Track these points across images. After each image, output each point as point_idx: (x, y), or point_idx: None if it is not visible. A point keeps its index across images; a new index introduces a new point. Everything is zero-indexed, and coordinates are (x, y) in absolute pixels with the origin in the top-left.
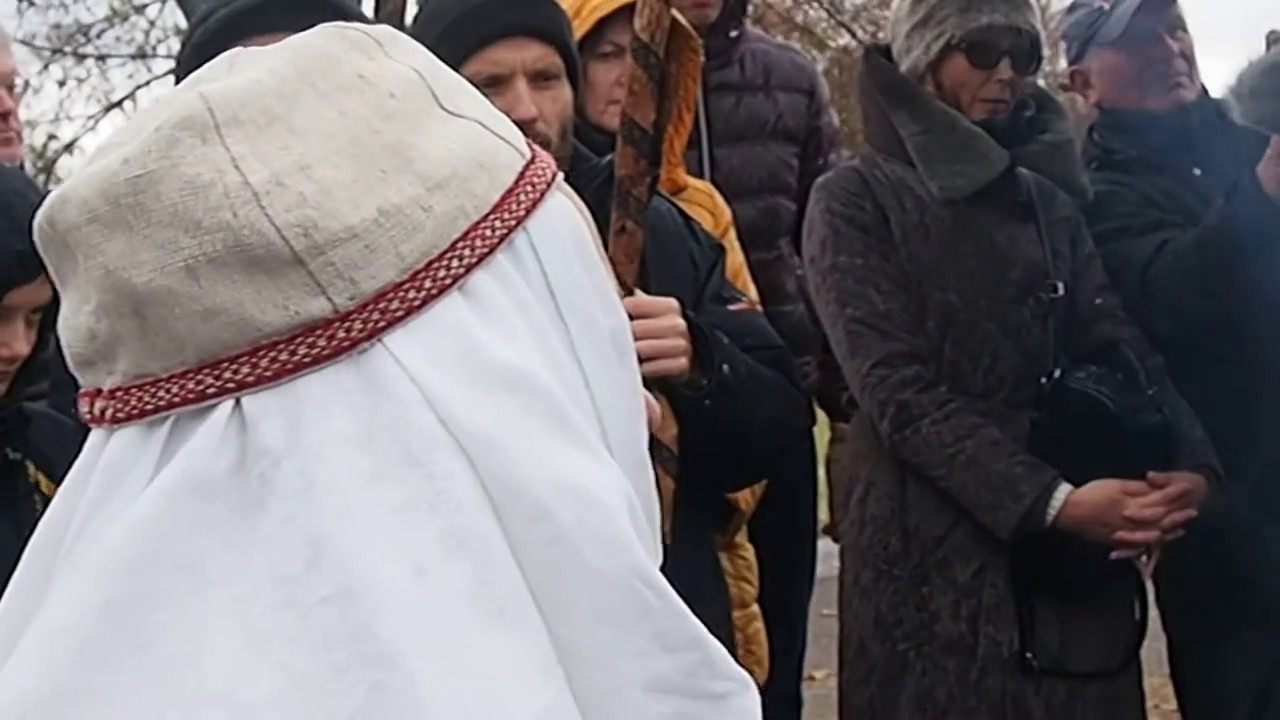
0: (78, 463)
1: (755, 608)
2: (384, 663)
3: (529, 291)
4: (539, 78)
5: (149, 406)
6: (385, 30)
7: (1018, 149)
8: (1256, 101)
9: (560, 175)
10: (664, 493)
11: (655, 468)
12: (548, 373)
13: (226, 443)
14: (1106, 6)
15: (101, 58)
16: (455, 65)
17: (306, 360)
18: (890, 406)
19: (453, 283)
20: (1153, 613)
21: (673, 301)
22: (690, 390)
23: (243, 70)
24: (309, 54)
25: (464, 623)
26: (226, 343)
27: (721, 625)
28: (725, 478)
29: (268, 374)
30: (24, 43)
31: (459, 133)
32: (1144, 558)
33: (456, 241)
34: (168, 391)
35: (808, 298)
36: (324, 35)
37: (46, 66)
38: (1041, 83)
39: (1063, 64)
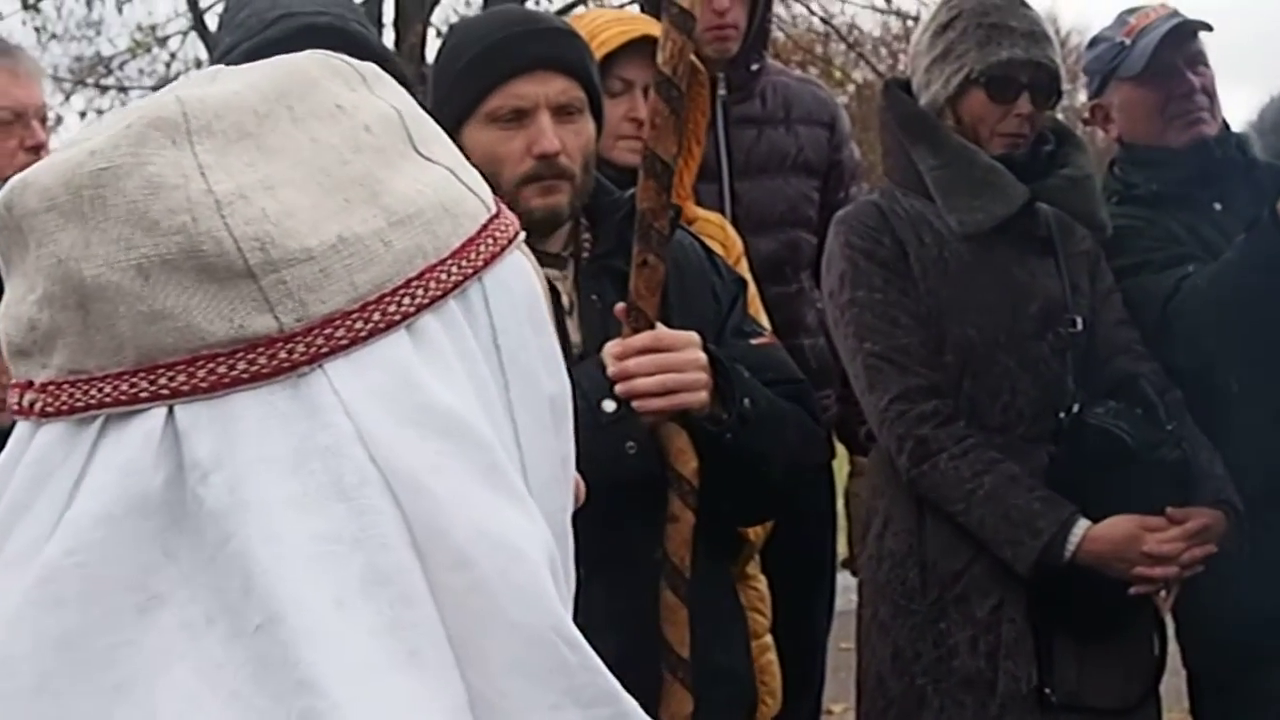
0: (3, 455)
1: (768, 638)
2: (309, 689)
3: (475, 342)
4: (562, 112)
5: (79, 404)
6: (371, 68)
7: (1037, 183)
8: (1278, 136)
9: (522, 235)
10: (684, 526)
11: (675, 501)
12: (485, 423)
13: (163, 455)
14: (1128, 41)
15: (123, 89)
16: (479, 98)
17: (244, 376)
18: (908, 441)
19: (401, 320)
20: (1171, 648)
21: (694, 335)
22: (711, 424)
23: (224, 82)
24: (290, 76)
25: (376, 660)
26: (167, 348)
27: (741, 656)
28: (745, 511)
29: (203, 385)
30: (50, 77)
31: (429, 176)
32: (1162, 593)
33: (411, 280)
34: (100, 391)
35: (828, 331)
36: (310, 60)
37: (68, 98)
38: (1061, 116)
39: (1082, 98)
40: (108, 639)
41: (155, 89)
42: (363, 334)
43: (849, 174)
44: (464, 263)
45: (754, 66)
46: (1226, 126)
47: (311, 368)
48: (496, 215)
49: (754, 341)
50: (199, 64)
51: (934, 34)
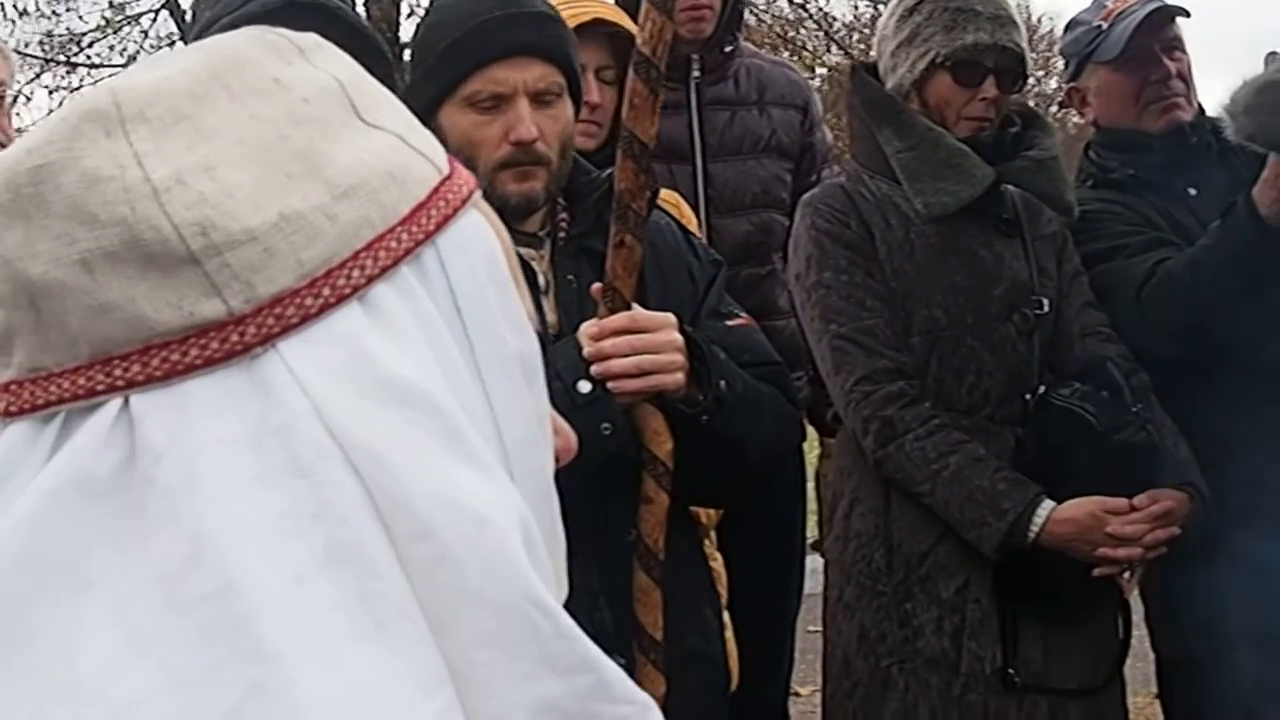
0: None
1: (725, 616)
2: (263, 661)
3: (434, 308)
4: (541, 97)
5: (40, 401)
6: (311, 38)
7: (1003, 166)
8: (1250, 118)
9: (478, 193)
10: (658, 507)
11: (649, 482)
12: (446, 390)
13: (114, 441)
14: (1105, 25)
15: (94, 67)
16: (458, 81)
17: (198, 362)
18: (874, 423)
19: (352, 293)
20: (1139, 631)
21: (670, 316)
22: (687, 406)
23: (158, 69)
24: (225, 55)
25: (339, 634)
26: (119, 340)
27: (714, 639)
28: (720, 493)
29: (158, 373)
30: (16, 51)
31: (374, 144)
32: (1126, 575)
33: (359, 251)
34: (59, 386)
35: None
36: (244, 38)
37: (38, 75)
38: (1031, 103)
39: (1053, 84)
40: (36, 615)
41: (126, 66)
42: (313, 311)
43: (821, 156)
44: (414, 229)
45: (728, 48)
46: (1202, 112)
47: (264, 348)
48: (449, 177)
49: (731, 323)
50: (170, 42)
51: (900, 18)
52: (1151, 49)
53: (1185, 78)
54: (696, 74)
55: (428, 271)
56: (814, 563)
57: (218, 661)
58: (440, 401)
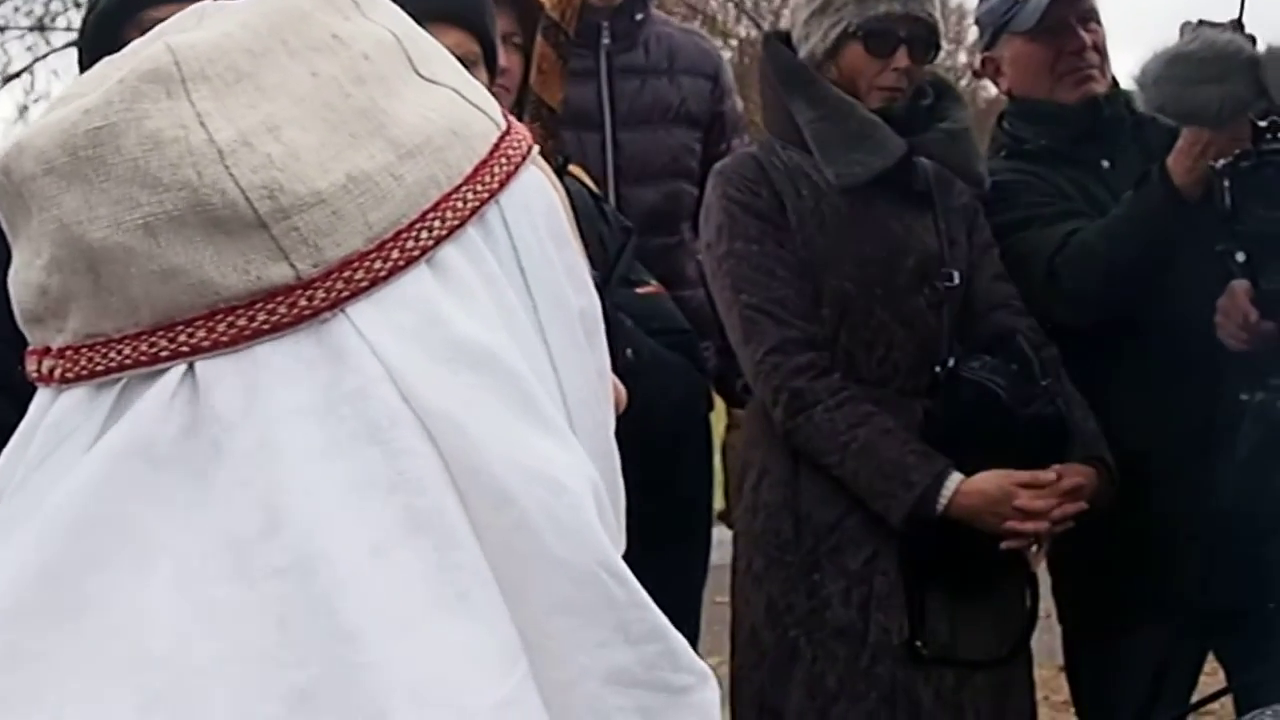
0: (23, 422)
1: None
2: (344, 640)
3: (498, 267)
4: None
5: (99, 367)
6: None
7: (915, 137)
8: (1159, 89)
9: (536, 148)
10: None
11: None
12: (515, 352)
13: (177, 408)
14: None
15: (0, 30)
16: None
17: (265, 327)
18: (784, 393)
19: (421, 255)
20: (1046, 604)
21: None
22: None
23: (213, 24)
24: (282, 9)
25: (422, 606)
26: (183, 305)
27: None
28: (626, 461)
29: (224, 339)
30: None
31: (434, 100)
32: (1034, 548)
33: (426, 212)
34: (119, 353)
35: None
36: None
37: None
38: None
39: (962, 58)
40: (96, 579)
41: (32, 29)
42: (382, 274)
43: (731, 126)
44: (479, 187)
45: (638, 16)
46: (1116, 84)
47: (333, 313)
48: (508, 131)
49: (640, 290)
50: (76, 4)
51: None
52: (1067, 20)
53: (1101, 50)
54: (607, 41)
55: (492, 230)
56: (720, 534)
57: (292, 639)
58: (511, 365)
